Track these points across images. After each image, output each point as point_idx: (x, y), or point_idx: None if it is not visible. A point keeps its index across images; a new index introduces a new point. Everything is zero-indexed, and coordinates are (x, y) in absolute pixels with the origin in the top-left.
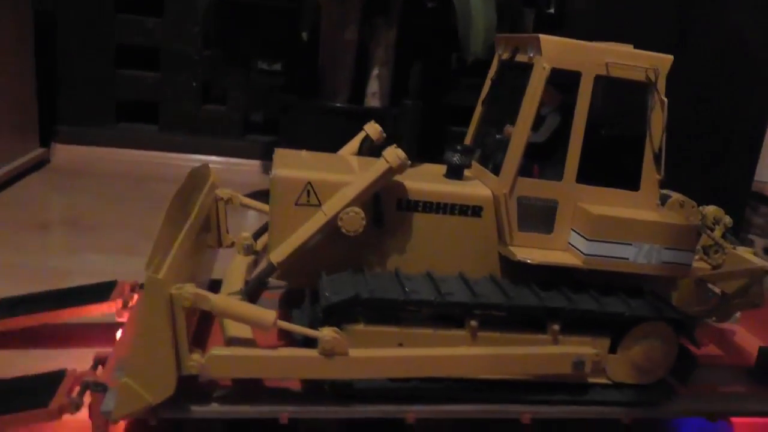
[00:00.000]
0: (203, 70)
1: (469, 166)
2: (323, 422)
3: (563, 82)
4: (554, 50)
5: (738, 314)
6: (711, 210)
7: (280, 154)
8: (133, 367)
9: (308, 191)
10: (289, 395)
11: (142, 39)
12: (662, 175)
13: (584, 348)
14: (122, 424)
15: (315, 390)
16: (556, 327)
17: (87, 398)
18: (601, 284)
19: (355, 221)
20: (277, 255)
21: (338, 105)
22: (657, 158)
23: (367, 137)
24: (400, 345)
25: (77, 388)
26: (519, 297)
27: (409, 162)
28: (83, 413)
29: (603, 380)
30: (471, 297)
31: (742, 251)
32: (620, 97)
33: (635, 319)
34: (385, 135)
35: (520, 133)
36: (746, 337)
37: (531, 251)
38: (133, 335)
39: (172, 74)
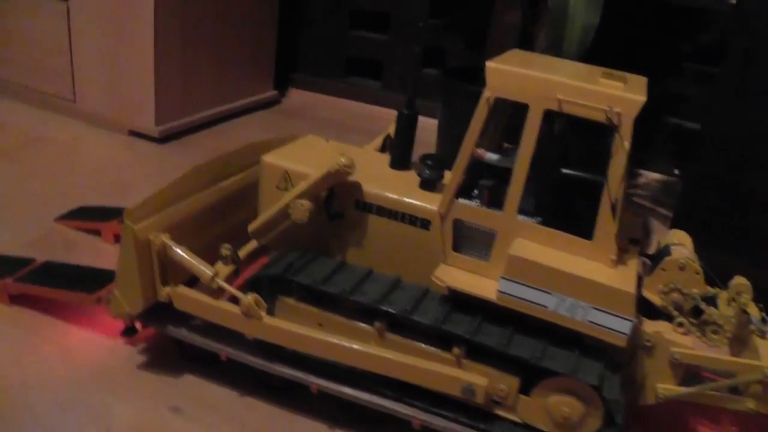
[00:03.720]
0: (426, 37)
1: (439, 180)
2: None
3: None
4: (499, 80)
5: None
6: (736, 283)
7: (306, 140)
8: (118, 285)
9: (285, 178)
10: (238, 340)
11: (373, 5)
12: (617, 228)
13: (478, 378)
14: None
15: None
16: (458, 351)
17: None
18: (537, 325)
19: (300, 211)
20: (253, 224)
21: None
22: (614, 209)
23: (388, 136)
24: (320, 325)
25: None
26: (423, 313)
27: (352, 168)
28: None
29: (514, 417)
30: (374, 300)
31: None
32: (597, 136)
33: (542, 369)
34: None
35: (460, 158)
36: None
37: (454, 273)
38: (117, 263)
39: (398, 38)
